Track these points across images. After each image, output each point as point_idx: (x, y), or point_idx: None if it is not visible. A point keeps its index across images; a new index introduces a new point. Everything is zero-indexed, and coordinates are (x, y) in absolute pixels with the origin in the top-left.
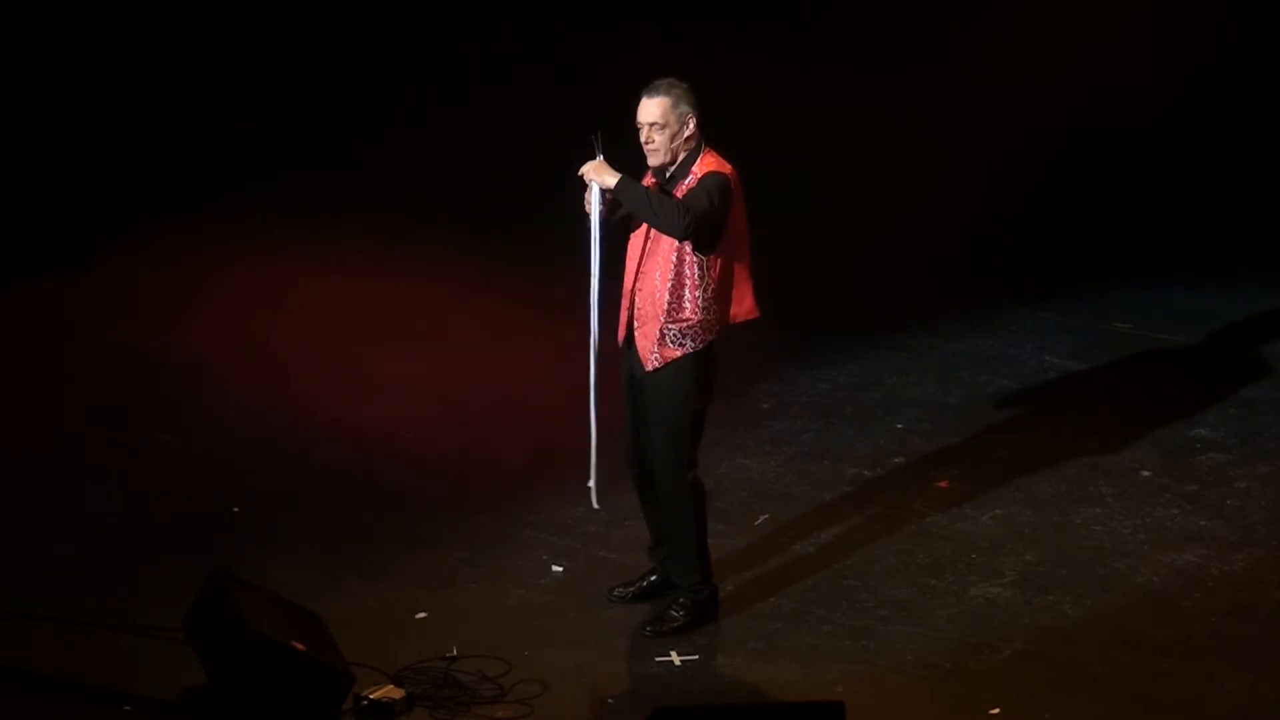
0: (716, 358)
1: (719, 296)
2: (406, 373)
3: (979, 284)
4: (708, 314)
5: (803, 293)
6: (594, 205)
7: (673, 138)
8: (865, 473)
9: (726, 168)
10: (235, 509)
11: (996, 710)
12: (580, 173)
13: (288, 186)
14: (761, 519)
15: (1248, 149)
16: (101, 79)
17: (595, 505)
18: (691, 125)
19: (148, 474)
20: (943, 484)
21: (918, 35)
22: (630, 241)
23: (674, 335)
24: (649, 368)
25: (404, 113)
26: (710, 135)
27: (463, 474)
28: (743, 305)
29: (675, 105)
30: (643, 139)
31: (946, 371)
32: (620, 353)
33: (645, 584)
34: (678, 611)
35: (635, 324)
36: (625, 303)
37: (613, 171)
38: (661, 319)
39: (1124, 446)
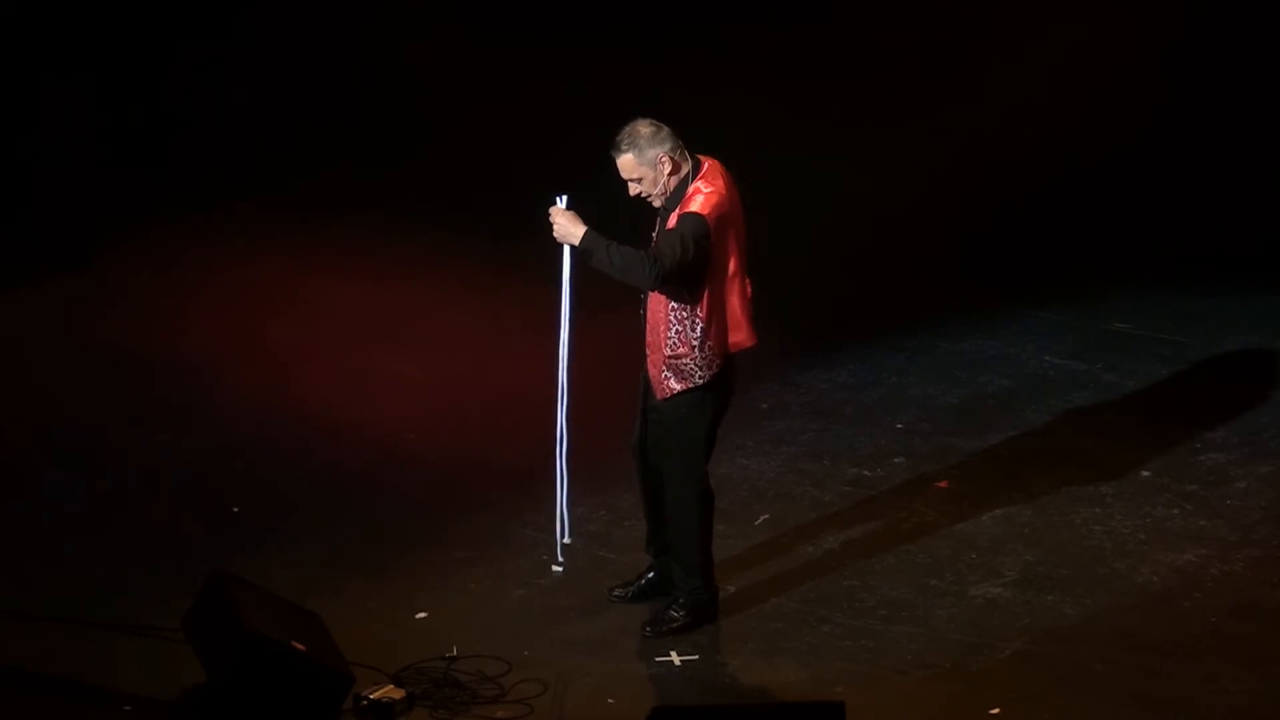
0: (731, 376)
1: (710, 331)
2: (406, 373)
3: (978, 284)
4: (702, 349)
5: (803, 293)
6: (565, 261)
7: (655, 181)
8: (865, 473)
9: (709, 205)
10: (235, 509)
11: (996, 710)
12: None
13: (288, 187)
14: (761, 519)
15: (1247, 150)
16: (101, 78)
17: (556, 567)
18: (668, 164)
19: (147, 474)
20: (943, 484)
21: (920, 39)
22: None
23: (675, 370)
24: (659, 396)
25: (404, 112)
26: (716, 138)
27: (463, 474)
28: (739, 334)
29: (640, 156)
30: (631, 193)
31: (946, 371)
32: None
33: (644, 582)
34: (677, 612)
35: (646, 349)
36: (641, 308)
37: (579, 223)
38: (664, 352)
39: (1124, 446)
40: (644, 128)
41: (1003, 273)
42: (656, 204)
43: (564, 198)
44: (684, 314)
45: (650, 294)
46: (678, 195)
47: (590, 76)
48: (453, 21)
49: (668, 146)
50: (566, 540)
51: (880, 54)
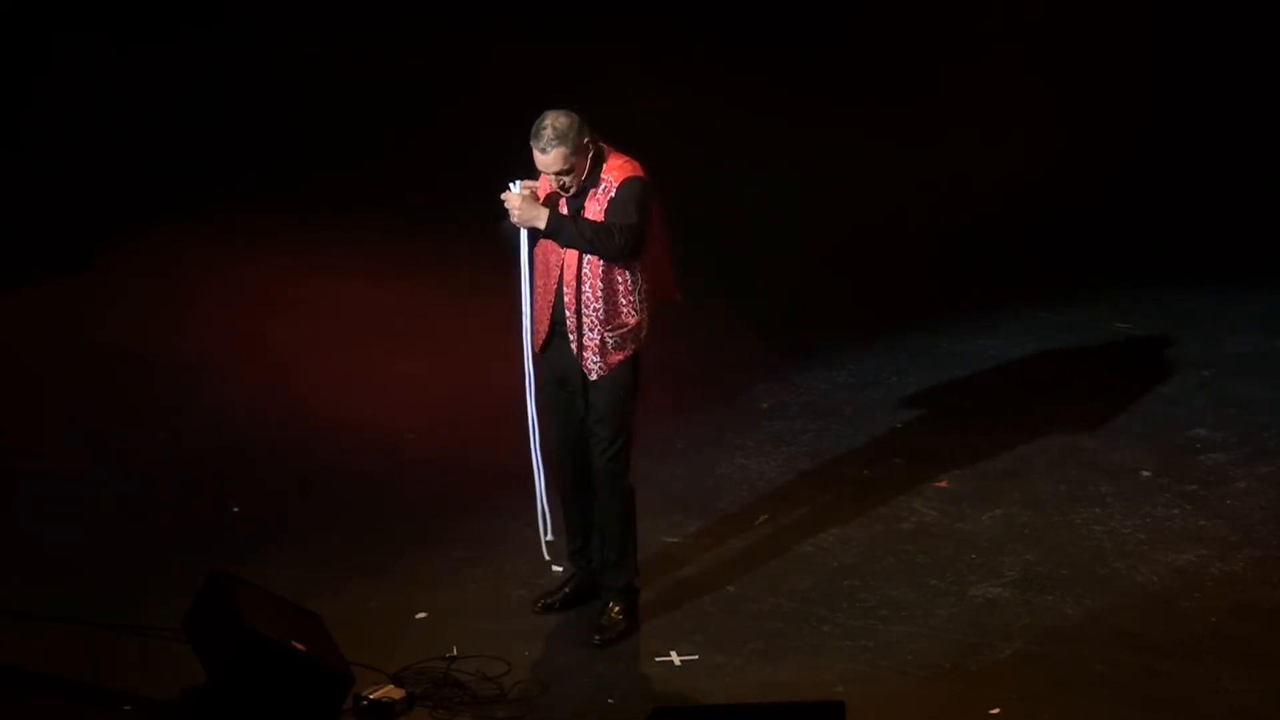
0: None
1: (649, 294)
2: (406, 373)
3: (979, 284)
4: (642, 313)
5: (803, 293)
6: (522, 244)
7: (583, 169)
8: (865, 473)
9: (640, 168)
10: (235, 509)
11: (996, 710)
12: (511, 216)
13: (288, 187)
14: (761, 519)
15: (1247, 149)
16: (101, 77)
17: (547, 556)
18: (591, 148)
19: (147, 474)
20: (943, 484)
21: (929, 44)
22: (539, 252)
23: (615, 341)
24: (594, 377)
25: (404, 113)
26: (720, 145)
27: (463, 473)
28: (669, 291)
29: (571, 147)
30: (555, 185)
31: (946, 371)
32: (535, 358)
33: (569, 590)
34: (619, 616)
35: (570, 336)
36: (544, 313)
37: (538, 207)
38: (601, 328)
39: (1124, 446)
40: (563, 119)
41: (1004, 272)
42: (573, 190)
43: (517, 182)
44: (633, 281)
45: (566, 275)
46: (593, 175)
47: (590, 78)
48: (452, 20)
49: (586, 131)
50: (550, 538)
51: (889, 67)
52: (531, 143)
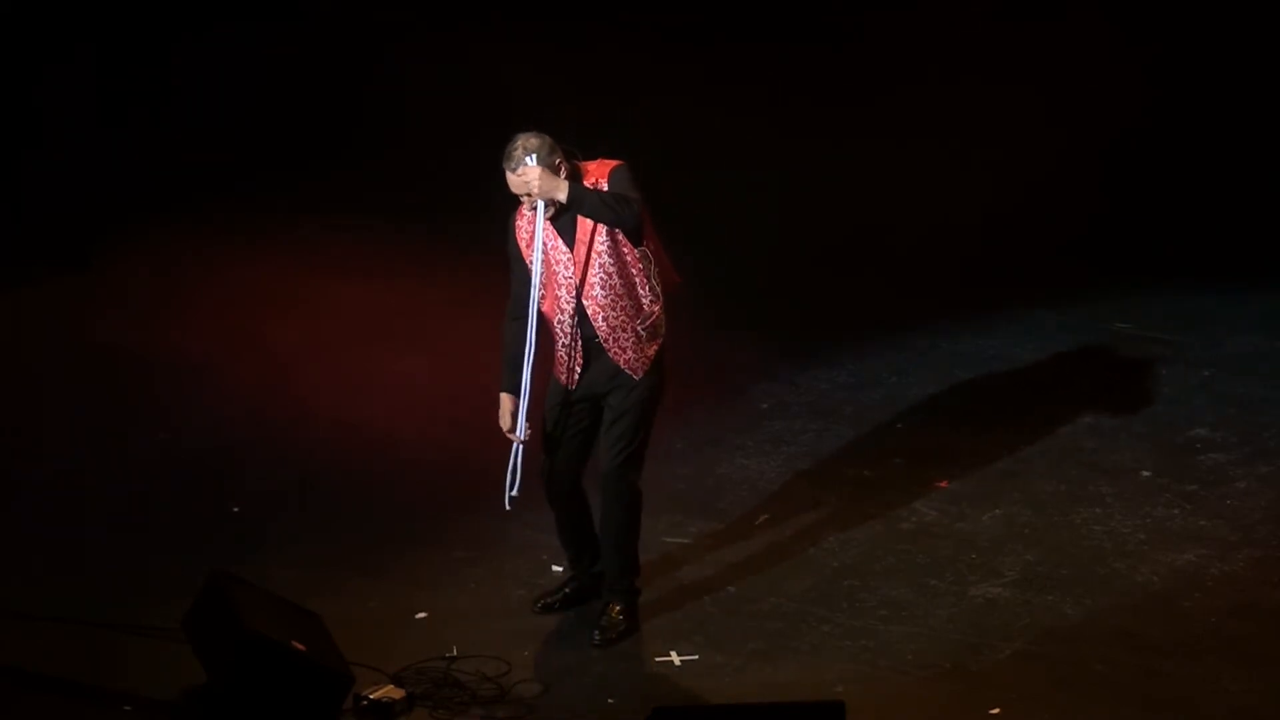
0: None
1: (661, 277)
2: (406, 373)
3: (978, 284)
4: (659, 297)
5: (803, 293)
6: (539, 216)
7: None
8: (865, 473)
9: (618, 160)
10: (235, 509)
11: (996, 710)
12: (529, 192)
13: (288, 187)
14: (761, 519)
15: (1247, 148)
16: (101, 77)
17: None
18: (564, 168)
19: (147, 474)
20: (943, 484)
21: (927, 45)
22: (547, 294)
23: (648, 332)
24: (639, 375)
25: (403, 112)
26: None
27: (463, 474)
28: (668, 272)
29: (543, 167)
30: (529, 206)
31: (946, 371)
32: (548, 383)
33: (569, 590)
34: (619, 617)
35: (606, 345)
36: (574, 351)
37: (557, 179)
38: (632, 323)
39: (1124, 446)
40: (534, 139)
41: (1003, 272)
42: (551, 211)
43: (532, 156)
44: (645, 267)
45: (586, 283)
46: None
47: (591, 79)
48: (451, 20)
49: (558, 153)
50: (514, 494)
51: (888, 68)
52: (503, 165)
